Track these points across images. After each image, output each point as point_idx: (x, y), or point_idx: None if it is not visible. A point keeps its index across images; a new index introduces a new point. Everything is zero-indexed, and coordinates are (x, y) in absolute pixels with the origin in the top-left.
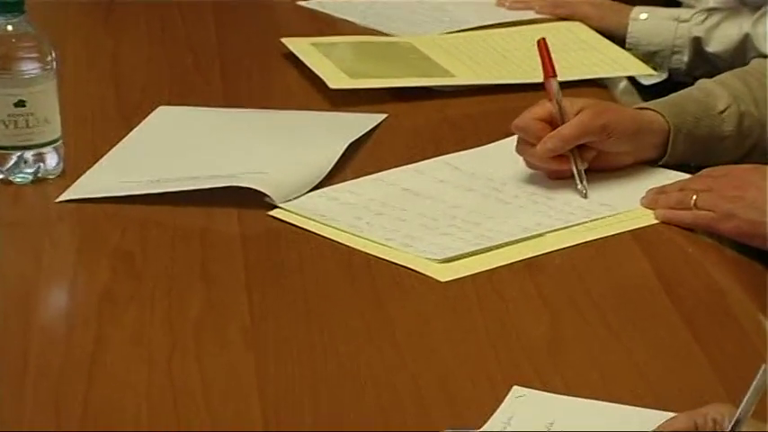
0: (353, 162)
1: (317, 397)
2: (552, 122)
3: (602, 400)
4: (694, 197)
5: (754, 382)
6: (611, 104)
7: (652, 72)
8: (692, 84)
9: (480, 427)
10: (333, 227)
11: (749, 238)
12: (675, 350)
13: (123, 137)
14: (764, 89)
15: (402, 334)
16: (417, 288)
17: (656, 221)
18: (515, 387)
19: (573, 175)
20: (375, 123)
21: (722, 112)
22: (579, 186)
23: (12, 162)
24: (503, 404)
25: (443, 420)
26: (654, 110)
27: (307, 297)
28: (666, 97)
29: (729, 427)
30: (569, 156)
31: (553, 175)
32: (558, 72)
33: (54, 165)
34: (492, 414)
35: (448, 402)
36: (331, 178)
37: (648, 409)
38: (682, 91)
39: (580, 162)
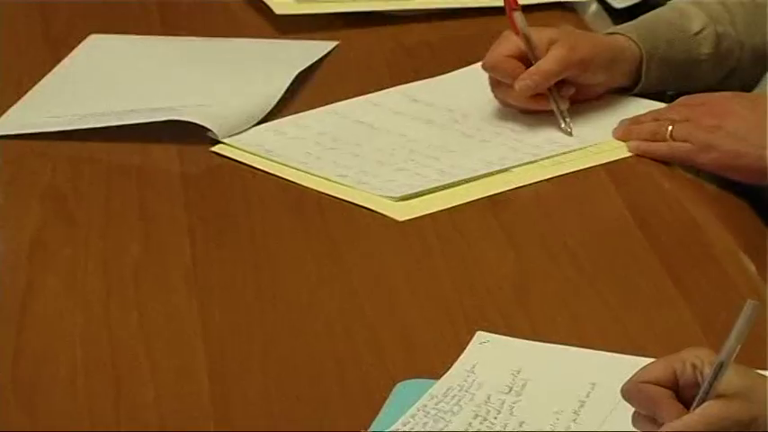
0: (302, 93)
1: (267, 346)
2: (523, 59)
3: (573, 346)
4: (670, 127)
5: (738, 322)
6: (581, 33)
7: None
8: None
9: (442, 375)
10: (281, 163)
11: (729, 171)
12: (651, 292)
13: (51, 69)
14: (743, 7)
15: (357, 277)
16: (373, 228)
17: (629, 154)
18: (479, 332)
19: (554, 114)
20: (325, 52)
21: (698, 33)
22: (563, 125)
23: None
24: (466, 351)
25: (402, 369)
26: (624, 34)
27: (254, 239)
28: (636, 20)
29: (711, 372)
30: (547, 94)
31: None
32: None
33: None
34: (454, 361)
35: (407, 350)
36: (278, 111)
37: (623, 355)
38: (653, 12)
39: (561, 101)
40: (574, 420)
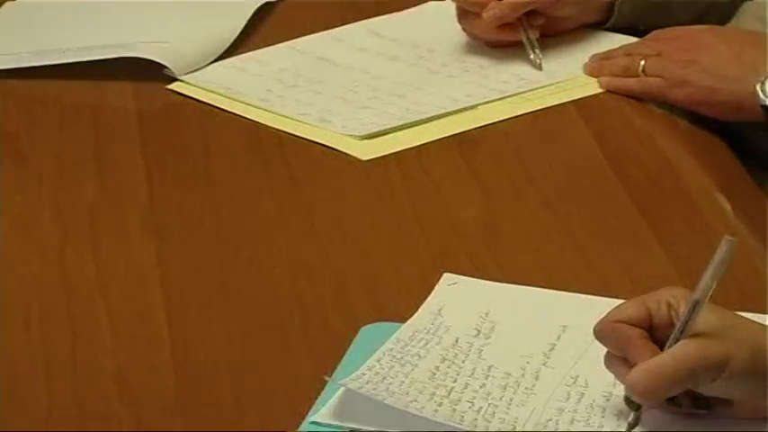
0: (262, 29)
1: (227, 290)
2: None
3: (543, 288)
4: (642, 62)
5: (714, 259)
6: None
7: None
8: None
9: (408, 319)
10: (240, 101)
11: (704, 107)
12: (623, 232)
13: None
14: None
15: (320, 219)
16: (336, 168)
17: (600, 90)
18: (447, 274)
19: (523, 49)
20: None
21: None
22: (532, 56)
23: None
24: (433, 293)
25: (367, 313)
26: None
27: (212, 180)
28: None
29: (686, 311)
30: (517, 24)
31: (496, 45)
32: None
33: None
34: (421, 304)
35: (372, 293)
36: (237, 47)
37: (595, 297)
38: None
39: (531, 30)
40: (544, 364)
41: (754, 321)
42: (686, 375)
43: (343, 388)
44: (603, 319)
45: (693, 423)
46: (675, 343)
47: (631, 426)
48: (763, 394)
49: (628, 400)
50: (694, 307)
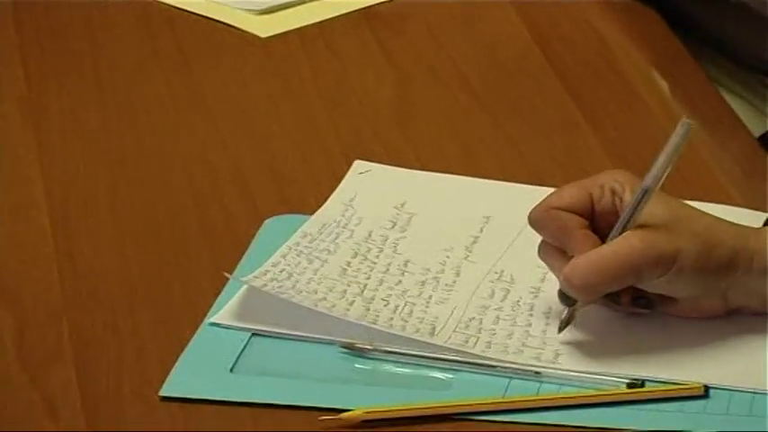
0: None
1: (115, 180)
2: None
3: (464, 176)
4: None
5: (669, 143)
6: None
7: None
8: None
9: (316, 211)
10: None
11: None
12: (552, 116)
13: None
14: None
15: (216, 102)
16: (233, 46)
17: None
18: (358, 161)
19: None
20: None
21: None
22: None
23: None
24: (342, 182)
25: (271, 205)
26: None
27: (96, 61)
28: None
29: (634, 199)
30: None
31: None
32: None
33: None
34: (329, 195)
35: (275, 183)
36: None
37: (521, 185)
38: None
39: None
40: (466, 258)
41: (706, 213)
42: (630, 270)
43: (245, 286)
44: (540, 204)
45: (632, 323)
46: (619, 234)
47: (563, 324)
48: (712, 293)
49: (562, 295)
50: (643, 195)
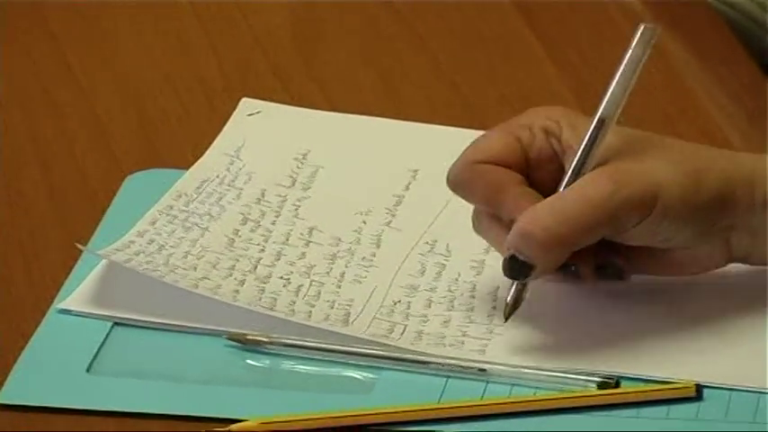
0: None
1: None
2: None
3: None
4: None
5: (627, 56)
6: None
7: None
8: None
9: (192, 164)
10: None
11: None
12: (498, 41)
13: None
14: None
15: (61, 25)
16: None
17: None
18: (245, 99)
19: None
20: None
21: None
22: None
23: None
24: (227, 126)
25: (135, 157)
26: None
27: None
28: None
29: (587, 134)
30: None
31: None
32: None
33: None
34: (211, 143)
35: (141, 131)
36: None
37: (457, 128)
38: None
39: None
40: (388, 224)
41: (679, 140)
42: (603, 217)
43: (103, 261)
44: (458, 160)
45: (602, 304)
46: (576, 178)
47: (511, 308)
48: (709, 237)
49: (509, 263)
50: (599, 128)
